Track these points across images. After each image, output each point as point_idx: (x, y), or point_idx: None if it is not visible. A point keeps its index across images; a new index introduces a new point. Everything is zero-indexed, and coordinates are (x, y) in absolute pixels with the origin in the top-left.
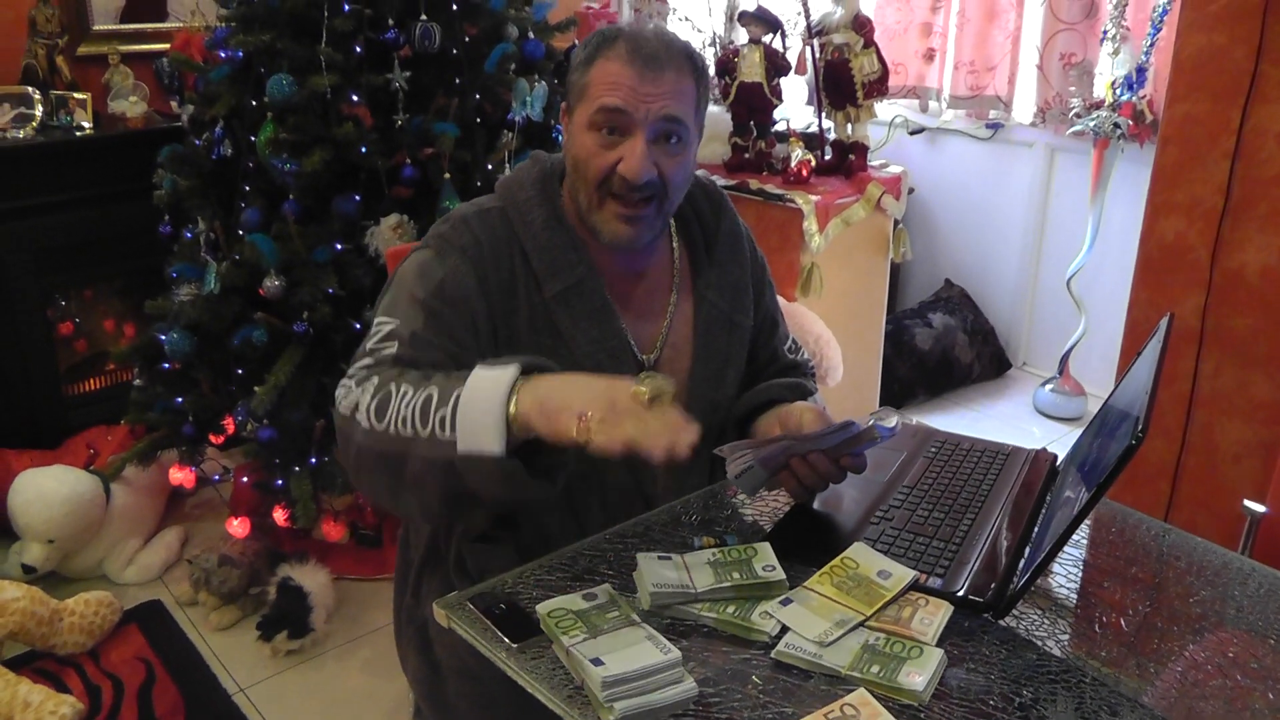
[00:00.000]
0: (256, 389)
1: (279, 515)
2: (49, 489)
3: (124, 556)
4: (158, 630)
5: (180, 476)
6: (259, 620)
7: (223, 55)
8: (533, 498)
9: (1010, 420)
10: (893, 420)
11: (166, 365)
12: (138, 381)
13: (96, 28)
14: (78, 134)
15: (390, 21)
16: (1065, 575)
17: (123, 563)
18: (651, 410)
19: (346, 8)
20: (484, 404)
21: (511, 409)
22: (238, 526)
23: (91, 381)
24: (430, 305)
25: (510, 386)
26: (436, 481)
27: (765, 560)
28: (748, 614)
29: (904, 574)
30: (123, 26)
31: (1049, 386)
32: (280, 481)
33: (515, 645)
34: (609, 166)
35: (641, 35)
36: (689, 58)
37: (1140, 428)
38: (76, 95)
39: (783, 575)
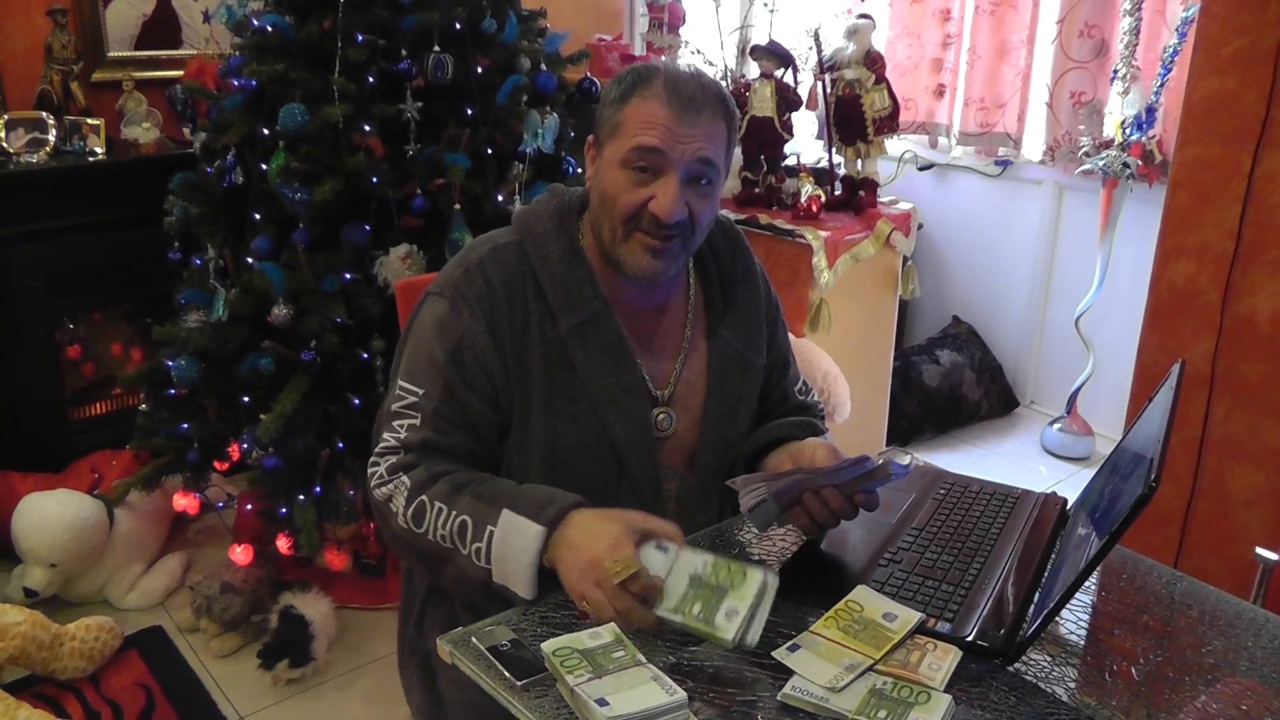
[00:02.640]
0: (262, 417)
1: (282, 543)
2: (52, 513)
3: (126, 582)
4: (158, 656)
5: (184, 502)
6: (260, 648)
7: (236, 84)
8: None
9: (1017, 459)
10: (907, 459)
11: (173, 391)
12: (144, 407)
13: (111, 54)
14: (90, 159)
15: (403, 52)
16: (1075, 621)
17: (125, 588)
18: (624, 585)
19: (360, 38)
20: (516, 555)
21: (540, 562)
22: (241, 554)
23: (98, 405)
24: (447, 373)
25: (539, 547)
26: (472, 585)
27: (734, 605)
28: (711, 617)
29: (910, 616)
30: (137, 53)
31: (1057, 426)
32: (284, 509)
33: (519, 683)
34: (640, 203)
35: (679, 76)
36: (723, 101)
37: (1153, 475)
38: (90, 121)
39: (734, 629)
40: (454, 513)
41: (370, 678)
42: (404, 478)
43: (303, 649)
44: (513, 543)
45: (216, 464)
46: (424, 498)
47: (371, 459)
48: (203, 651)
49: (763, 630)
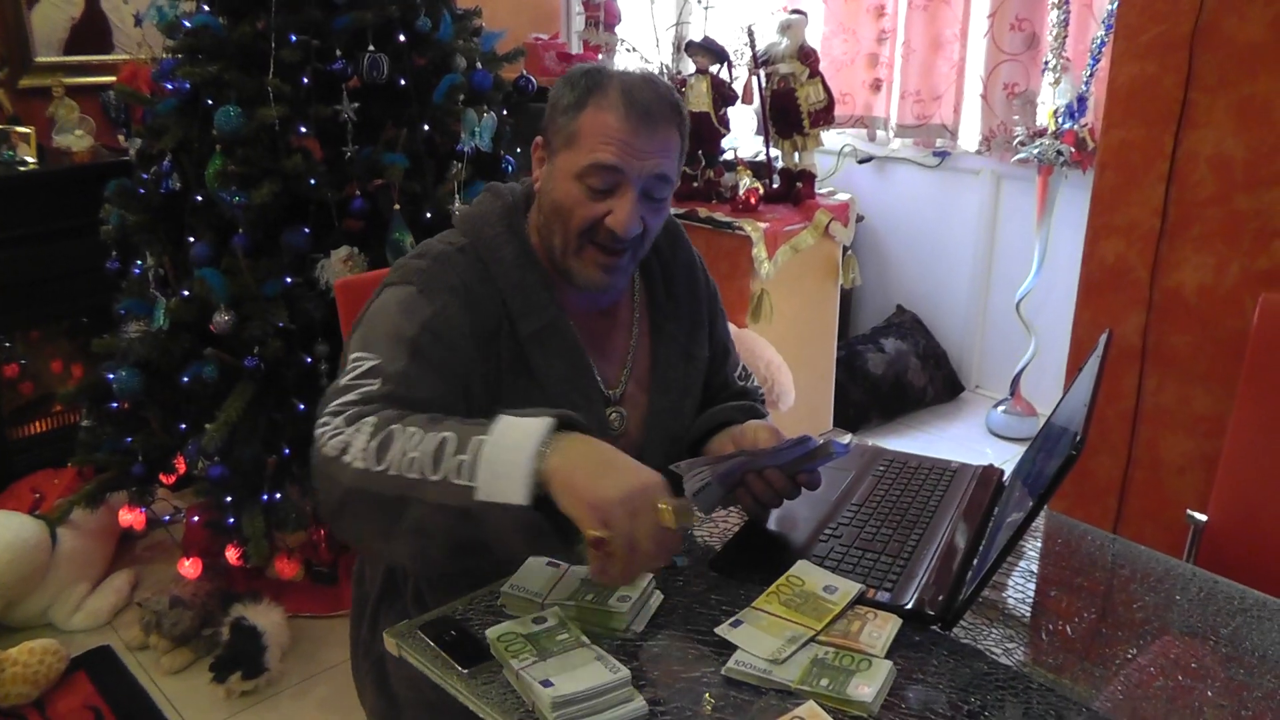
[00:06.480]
0: (207, 426)
1: (232, 554)
2: None
3: (71, 602)
4: (107, 676)
5: (130, 518)
6: (212, 662)
7: (169, 87)
8: (546, 551)
9: (964, 442)
10: (846, 438)
11: (115, 405)
12: (86, 422)
13: (39, 59)
14: (21, 169)
15: (338, 52)
16: (1014, 587)
17: (70, 609)
18: (667, 530)
19: (294, 38)
20: (512, 453)
21: (541, 464)
22: (189, 567)
23: (37, 424)
24: (418, 343)
25: (543, 439)
26: (445, 528)
27: (625, 590)
28: (604, 601)
29: (850, 587)
30: (67, 58)
31: (1001, 408)
32: (232, 520)
33: (466, 671)
34: (596, 218)
35: (635, 85)
36: (677, 110)
37: (1079, 439)
38: (19, 129)
39: (626, 609)
40: (432, 434)
41: (325, 685)
42: (370, 418)
43: (255, 660)
44: (508, 442)
45: (162, 477)
46: (395, 427)
47: (323, 418)
48: (153, 669)
49: (648, 621)
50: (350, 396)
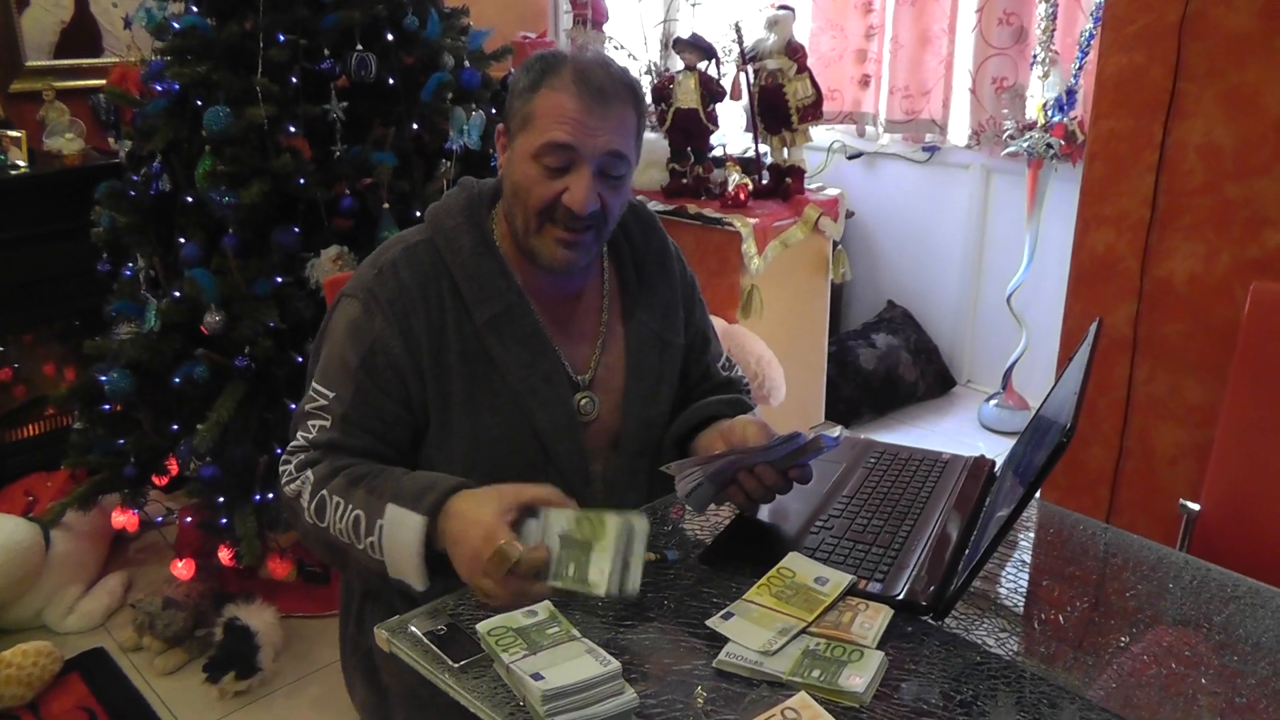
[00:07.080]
0: (199, 427)
1: (224, 555)
2: None
3: (64, 605)
4: (101, 678)
5: (123, 520)
6: (205, 662)
7: (159, 88)
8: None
9: (956, 436)
10: (836, 431)
11: (107, 406)
12: (78, 424)
13: (29, 63)
14: (12, 173)
15: (326, 51)
16: (1007, 577)
17: (63, 611)
18: (497, 570)
19: (282, 38)
20: (402, 547)
21: (432, 542)
22: (182, 568)
23: (30, 427)
24: (359, 378)
25: (421, 538)
26: (375, 578)
27: (599, 557)
28: (584, 574)
29: (841, 579)
30: (57, 62)
31: (993, 402)
32: (225, 520)
33: (457, 665)
34: (553, 196)
35: (587, 66)
36: (631, 89)
37: (1069, 427)
38: (10, 133)
39: (604, 582)
40: (350, 507)
41: (319, 684)
42: (309, 473)
43: (248, 660)
44: (398, 536)
45: (155, 479)
46: (324, 492)
47: (283, 457)
48: (147, 670)
49: (641, 575)
50: (302, 439)
